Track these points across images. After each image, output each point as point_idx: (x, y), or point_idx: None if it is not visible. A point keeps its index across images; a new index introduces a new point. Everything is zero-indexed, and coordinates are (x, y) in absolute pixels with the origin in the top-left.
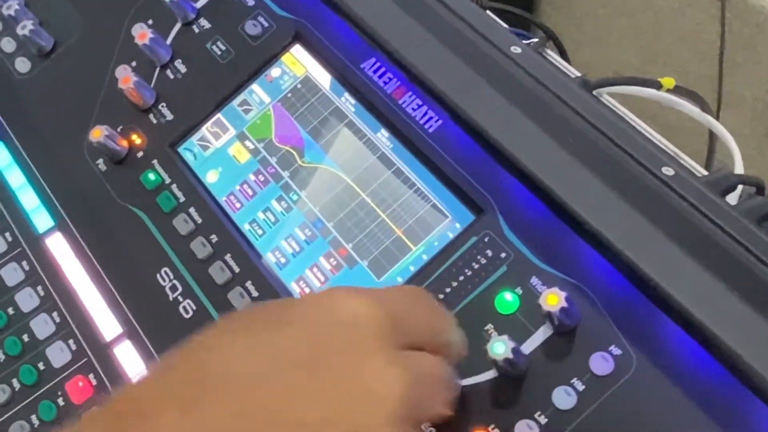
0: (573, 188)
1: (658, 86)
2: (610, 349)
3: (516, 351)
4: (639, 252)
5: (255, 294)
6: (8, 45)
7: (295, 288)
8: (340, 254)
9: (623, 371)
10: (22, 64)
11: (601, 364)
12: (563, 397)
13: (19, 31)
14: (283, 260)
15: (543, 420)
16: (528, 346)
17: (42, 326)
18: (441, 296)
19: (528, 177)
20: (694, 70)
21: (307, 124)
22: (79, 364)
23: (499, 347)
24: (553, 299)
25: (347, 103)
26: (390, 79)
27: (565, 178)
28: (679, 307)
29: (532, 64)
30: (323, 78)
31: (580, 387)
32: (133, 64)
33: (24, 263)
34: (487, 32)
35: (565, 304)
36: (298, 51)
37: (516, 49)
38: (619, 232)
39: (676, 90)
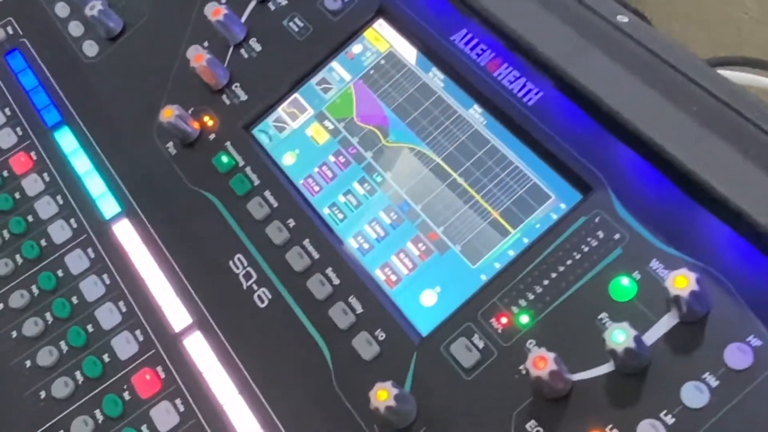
0: (701, 155)
1: None
2: (748, 339)
3: (638, 340)
4: None
5: (336, 281)
6: (76, 29)
7: (379, 275)
8: (430, 239)
9: (765, 364)
10: (90, 48)
11: (737, 356)
12: (694, 394)
13: (88, 12)
14: (366, 246)
15: (670, 420)
16: (650, 337)
17: (107, 316)
18: (546, 282)
19: (648, 145)
20: None
21: (391, 102)
22: (147, 355)
23: (619, 335)
24: (681, 281)
25: (435, 78)
26: (483, 51)
27: (691, 145)
28: None
29: (643, 34)
30: (409, 53)
31: (714, 383)
32: (205, 44)
33: (89, 250)
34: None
35: (695, 287)
36: (381, 26)
37: (623, 18)
38: (759, 203)
39: None
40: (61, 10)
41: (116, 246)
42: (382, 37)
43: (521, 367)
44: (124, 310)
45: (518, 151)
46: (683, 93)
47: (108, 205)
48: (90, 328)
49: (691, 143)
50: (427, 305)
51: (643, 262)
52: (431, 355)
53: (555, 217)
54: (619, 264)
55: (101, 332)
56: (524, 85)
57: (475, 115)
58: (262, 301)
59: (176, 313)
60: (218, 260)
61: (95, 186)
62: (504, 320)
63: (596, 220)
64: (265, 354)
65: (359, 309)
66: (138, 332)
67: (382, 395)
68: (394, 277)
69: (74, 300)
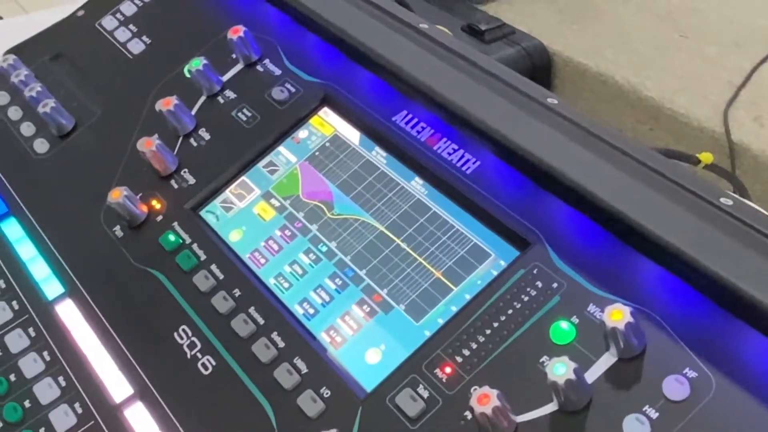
0: (633, 202)
1: (696, 162)
2: (684, 371)
3: (578, 372)
4: (714, 258)
5: (281, 345)
6: (27, 129)
7: (325, 338)
8: (375, 300)
9: (702, 394)
10: (41, 145)
11: (675, 388)
12: (635, 426)
13: (40, 109)
14: (311, 311)
15: None
16: (591, 375)
17: (46, 390)
18: (488, 331)
19: (580, 193)
20: None
21: (336, 179)
22: (85, 427)
23: (560, 368)
24: (617, 315)
25: (378, 156)
26: (423, 129)
27: (622, 191)
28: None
29: (572, 113)
30: (352, 135)
31: (654, 414)
32: (155, 135)
33: (30, 330)
34: (523, 87)
35: (631, 319)
36: (326, 113)
37: (553, 101)
38: (689, 241)
39: (712, 168)
40: (14, 113)
41: (58, 324)
42: (327, 123)
43: (466, 413)
44: (63, 384)
45: (458, 216)
46: (611, 155)
47: (51, 287)
48: (27, 403)
49: (622, 190)
50: (372, 363)
51: (581, 307)
52: (376, 407)
53: (495, 273)
54: (558, 310)
55: (39, 407)
56: (462, 156)
57: (417, 186)
58: (207, 369)
59: (117, 384)
60: (162, 332)
61: (39, 270)
62: (448, 370)
63: (534, 271)
64: (209, 419)
65: (304, 369)
66: (77, 405)
67: None
68: (339, 339)
69: (12, 377)
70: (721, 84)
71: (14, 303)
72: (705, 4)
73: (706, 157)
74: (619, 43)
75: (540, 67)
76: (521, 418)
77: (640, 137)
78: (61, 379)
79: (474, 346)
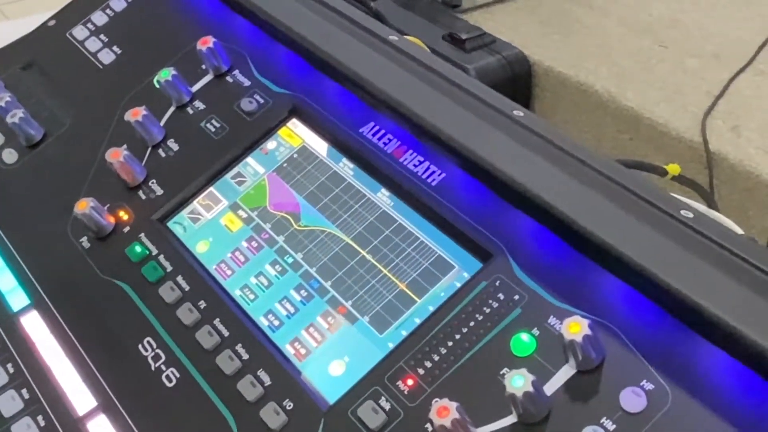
0: (593, 215)
1: (664, 173)
2: (641, 384)
3: (536, 384)
4: (671, 272)
5: (245, 357)
6: None
7: (289, 349)
8: (339, 312)
9: (658, 406)
10: (9, 155)
11: (632, 400)
12: None
13: (9, 119)
14: (276, 323)
15: None
16: (550, 387)
17: (9, 403)
18: (450, 343)
19: (542, 208)
20: None
21: (303, 190)
22: None
23: (518, 381)
24: (575, 327)
25: (345, 167)
26: (390, 140)
27: (583, 205)
28: (723, 324)
29: (537, 125)
30: (320, 146)
31: (611, 426)
32: (124, 146)
33: None
34: (489, 99)
35: (588, 332)
36: (294, 124)
37: (519, 113)
38: (647, 255)
39: (680, 179)
40: None
41: (23, 336)
42: (296, 134)
43: (427, 425)
44: (27, 396)
45: (423, 228)
46: (574, 168)
47: (17, 299)
48: None
49: (583, 203)
50: (335, 375)
51: (542, 319)
52: (338, 420)
53: (458, 285)
54: (519, 322)
55: (1, 419)
56: (428, 168)
57: (383, 198)
58: (171, 381)
59: (80, 397)
60: (127, 344)
61: (5, 281)
62: (410, 382)
63: (496, 283)
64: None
65: (268, 381)
66: (40, 417)
67: None
68: (303, 351)
69: None
70: (701, 95)
71: None
72: (685, 16)
73: (674, 169)
74: (600, 54)
75: (520, 76)
76: (481, 430)
77: (620, 147)
78: (24, 391)
79: (436, 358)
